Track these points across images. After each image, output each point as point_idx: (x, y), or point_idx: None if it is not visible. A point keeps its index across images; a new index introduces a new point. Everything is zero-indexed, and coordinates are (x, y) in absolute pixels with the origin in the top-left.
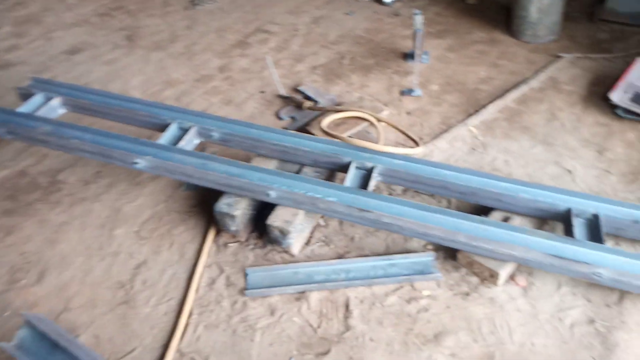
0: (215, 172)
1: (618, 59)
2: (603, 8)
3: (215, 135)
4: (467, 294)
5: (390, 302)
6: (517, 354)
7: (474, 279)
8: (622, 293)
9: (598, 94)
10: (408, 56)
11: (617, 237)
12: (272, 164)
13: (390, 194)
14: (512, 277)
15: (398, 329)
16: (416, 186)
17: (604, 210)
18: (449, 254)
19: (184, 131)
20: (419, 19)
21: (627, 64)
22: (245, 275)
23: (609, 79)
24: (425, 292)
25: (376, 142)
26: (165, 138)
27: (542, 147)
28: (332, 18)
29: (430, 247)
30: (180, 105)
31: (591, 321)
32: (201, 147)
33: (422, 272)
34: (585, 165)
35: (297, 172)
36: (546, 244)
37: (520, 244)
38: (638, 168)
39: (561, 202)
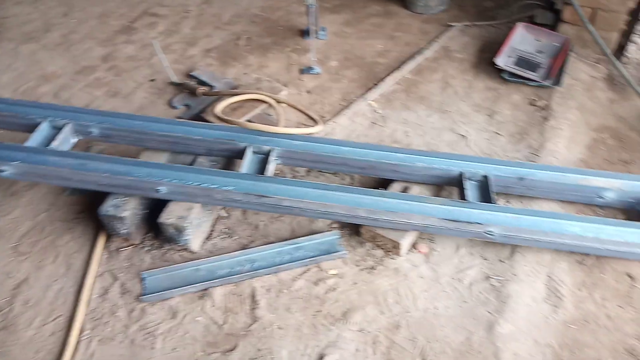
0: (95, 172)
1: (502, 25)
2: None
3: (95, 131)
4: (373, 268)
5: (297, 287)
6: (421, 320)
7: (379, 252)
8: (514, 247)
9: (486, 60)
10: (305, 33)
11: (507, 195)
12: (163, 157)
13: (294, 177)
14: (414, 246)
15: (306, 313)
16: (318, 166)
17: (493, 171)
18: (353, 230)
19: (57, 130)
20: None
21: (510, 30)
22: (142, 279)
23: (496, 45)
24: (332, 272)
25: (276, 124)
26: (34, 139)
27: (438, 115)
28: None
29: (335, 225)
30: (59, 102)
31: (487, 277)
32: (84, 147)
33: (328, 251)
34: (478, 129)
35: (191, 164)
36: (441, 210)
37: (417, 212)
38: (523, 128)
39: (454, 167)
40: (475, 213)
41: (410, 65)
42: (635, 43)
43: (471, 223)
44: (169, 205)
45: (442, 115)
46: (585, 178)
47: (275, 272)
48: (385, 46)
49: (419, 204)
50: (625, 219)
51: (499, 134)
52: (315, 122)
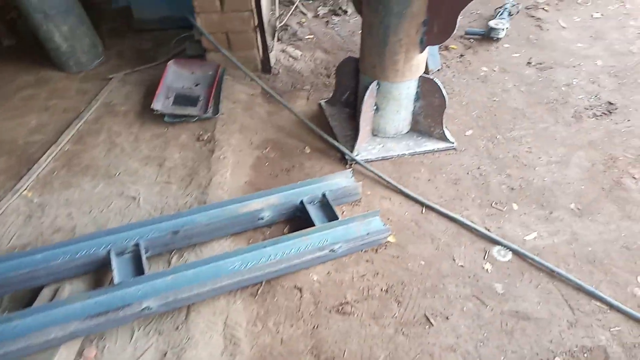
0: None
1: (163, 64)
2: (133, 19)
3: None
4: None
5: None
6: None
7: None
8: (189, 307)
9: (150, 106)
10: None
11: (171, 252)
12: None
13: None
14: (81, 354)
15: None
16: None
17: (145, 235)
18: None
19: None
20: None
21: (163, 70)
22: None
23: (157, 88)
24: None
25: None
26: None
27: (105, 182)
28: None
29: None
30: None
31: (164, 355)
32: None
33: None
34: (149, 184)
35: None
36: (84, 307)
37: (55, 322)
38: (193, 168)
39: (99, 247)
40: (125, 294)
41: (70, 134)
42: (272, 55)
43: (123, 307)
44: None
45: (110, 181)
46: (244, 205)
47: None
48: (40, 120)
49: (56, 311)
50: (291, 230)
51: (169, 182)
52: None
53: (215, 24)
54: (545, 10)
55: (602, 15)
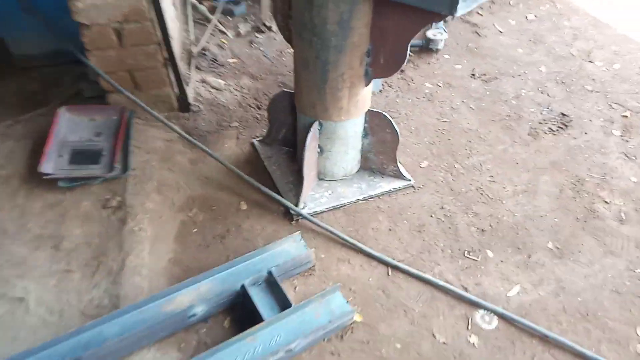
0: None
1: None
2: (11, 56)
3: None
4: None
5: None
6: None
7: None
8: None
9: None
10: None
11: None
12: None
13: None
14: None
15: None
16: None
17: None
18: None
19: None
20: None
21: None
22: None
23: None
24: None
25: None
26: None
27: None
28: None
29: None
30: None
31: None
32: None
33: None
34: (41, 277)
35: None
36: None
37: None
38: (100, 247)
39: None
40: None
41: None
42: (191, 89)
43: None
44: None
45: None
46: (168, 301)
47: None
48: None
49: None
50: (233, 320)
51: (70, 270)
52: None
53: (114, 62)
54: (480, 14)
55: (536, 16)
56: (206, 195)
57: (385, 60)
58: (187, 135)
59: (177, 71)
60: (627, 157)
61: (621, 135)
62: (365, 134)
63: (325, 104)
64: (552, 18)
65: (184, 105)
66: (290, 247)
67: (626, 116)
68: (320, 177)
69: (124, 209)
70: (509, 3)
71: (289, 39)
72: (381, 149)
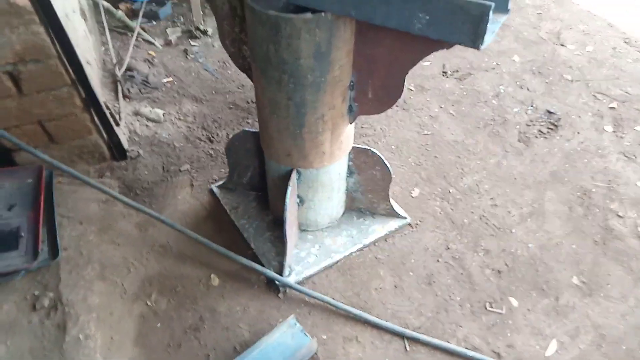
0: None
1: None
2: None
3: None
4: None
5: None
6: None
7: None
8: None
9: None
10: None
11: None
12: None
13: None
14: None
15: None
16: None
17: None
18: None
19: None
20: None
21: None
22: None
23: None
24: None
25: None
26: None
27: None
28: None
29: None
30: None
31: None
32: None
33: None
34: None
35: None
36: None
37: None
38: None
39: None
40: None
41: None
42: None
43: None
44: None
45: None
46: None
47: None
48: None
49: None
50: None
51: None
52: None
53: (15, 114)
54: None
55: None
56: (165, 272)
57: (374, 95)
58: (123, 198)
59: (101, 112)
60: (626, 156)
61: (614, 131)
62: (350, 173)
63: (303, 151)
64: None
65: (118, 151)
66: (285, 338)
67: (613, 107)
68: (303, 228)
69: (60, 310)
70: None
71: (244, 69)
72: (370, 187)
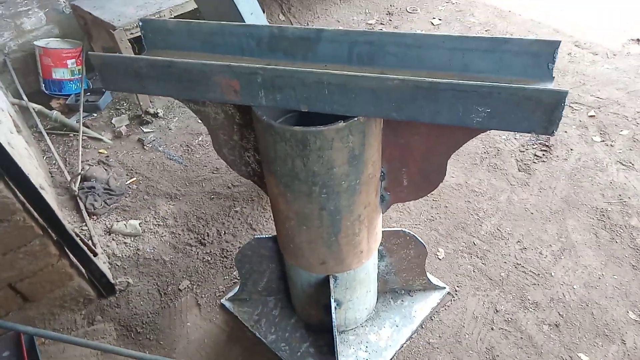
0: None
1: None
2: None
3: None
4: None
5: None
6: None
7: None
8: None
9: None
10: None
11: None
12: None
13: None
14: None
15: None
16: None
17: None
18: None
19: None
20: None
21: None
22: None
23: None
24: None
25: None
26: None
27: None
28: None
29: None
30: None
31: None
32: None
33: None
34: None
35: None
36: None
37: None
38: None
39: None
40: None
41: None
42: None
43: None
44: None
45: None
46: None
47: None
48: None
49: None
50: None
51: None
52: None
53: None
54: (384, 28)
55: (440, 20)
56: None
57: (410, 182)
58: (120, 350)
59: (78, 249)
60: (624, 165)
61: (603, 140)
62: (380, 257)
63: (340, 256)
64: (456, 17)
65: (104, 287)
66: None
67: (593, 115)
68: (341, 329)
69: None
70: (407, 11)
71: (248, 176)
72: (404, 267)
